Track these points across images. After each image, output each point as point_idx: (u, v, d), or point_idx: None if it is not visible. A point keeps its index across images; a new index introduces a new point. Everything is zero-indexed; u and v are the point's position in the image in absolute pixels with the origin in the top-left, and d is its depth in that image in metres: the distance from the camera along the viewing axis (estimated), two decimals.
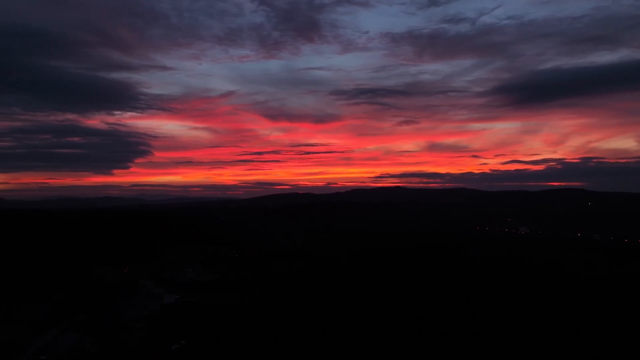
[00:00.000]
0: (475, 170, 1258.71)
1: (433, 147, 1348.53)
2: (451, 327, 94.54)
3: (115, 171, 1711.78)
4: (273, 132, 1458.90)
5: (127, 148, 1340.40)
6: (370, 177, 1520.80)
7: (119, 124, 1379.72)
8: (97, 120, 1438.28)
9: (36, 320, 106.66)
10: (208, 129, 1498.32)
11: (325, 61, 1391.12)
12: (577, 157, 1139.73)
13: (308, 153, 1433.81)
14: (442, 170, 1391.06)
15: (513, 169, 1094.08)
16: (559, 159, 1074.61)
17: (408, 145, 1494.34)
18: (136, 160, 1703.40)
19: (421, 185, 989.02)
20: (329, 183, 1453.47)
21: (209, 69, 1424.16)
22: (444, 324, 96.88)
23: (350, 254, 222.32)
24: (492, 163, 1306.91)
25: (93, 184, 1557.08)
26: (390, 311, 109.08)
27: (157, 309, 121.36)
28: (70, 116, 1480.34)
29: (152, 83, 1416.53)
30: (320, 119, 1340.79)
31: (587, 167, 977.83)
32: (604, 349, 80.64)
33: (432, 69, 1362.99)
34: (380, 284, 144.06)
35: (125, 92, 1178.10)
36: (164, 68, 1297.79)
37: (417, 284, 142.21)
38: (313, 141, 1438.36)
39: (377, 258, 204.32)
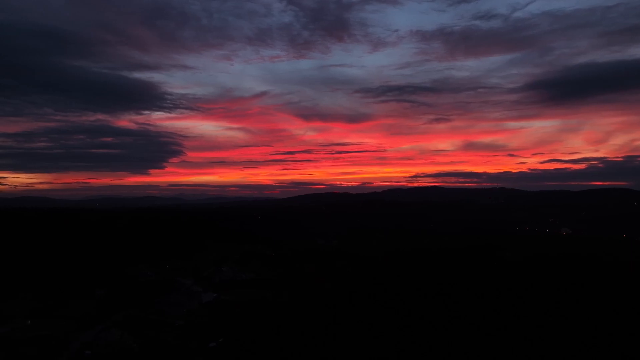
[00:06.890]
0: (513, 169, 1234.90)
1: (469, 146, 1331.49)
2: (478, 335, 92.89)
3: (152, 171, 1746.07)
4: (307, 132, 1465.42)
5: (160, 148, 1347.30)
6: (405, 177, 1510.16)
7: (149, 125, 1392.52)
8: (126, 121, 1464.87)
9: (80, 316, 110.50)
10: (242, 129, 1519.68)
11: (355, 60, 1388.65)
12: (620, 155, 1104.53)
13: (341, 152, 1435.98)
14: (479, 169, 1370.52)
15: (552, 168, 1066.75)
16: (601, 158, 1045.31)
17: (443, 144, 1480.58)
18: (170, 160, 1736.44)
19: (458, 184, 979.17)
20: (364, 183, 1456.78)
21: (242, 70, 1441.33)
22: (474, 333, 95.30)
23: (387, 254, 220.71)
24: (530, 162, 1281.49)
25: (132, 183, 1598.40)
26: (425, 315, 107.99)
27: (195, 307, 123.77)
28: (101, 116, 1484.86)
29: (184, 84, 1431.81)
30: (353, 118, 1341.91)
31: (632, 165, 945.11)
32: None
33: (464, 66, 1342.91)
34: (416, 285, 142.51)
35: (152, 92, 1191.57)
36: (195, 69, 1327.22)
37: (454, 286, 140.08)
38: (346, 140, 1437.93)
39: (414, 258, 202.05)
